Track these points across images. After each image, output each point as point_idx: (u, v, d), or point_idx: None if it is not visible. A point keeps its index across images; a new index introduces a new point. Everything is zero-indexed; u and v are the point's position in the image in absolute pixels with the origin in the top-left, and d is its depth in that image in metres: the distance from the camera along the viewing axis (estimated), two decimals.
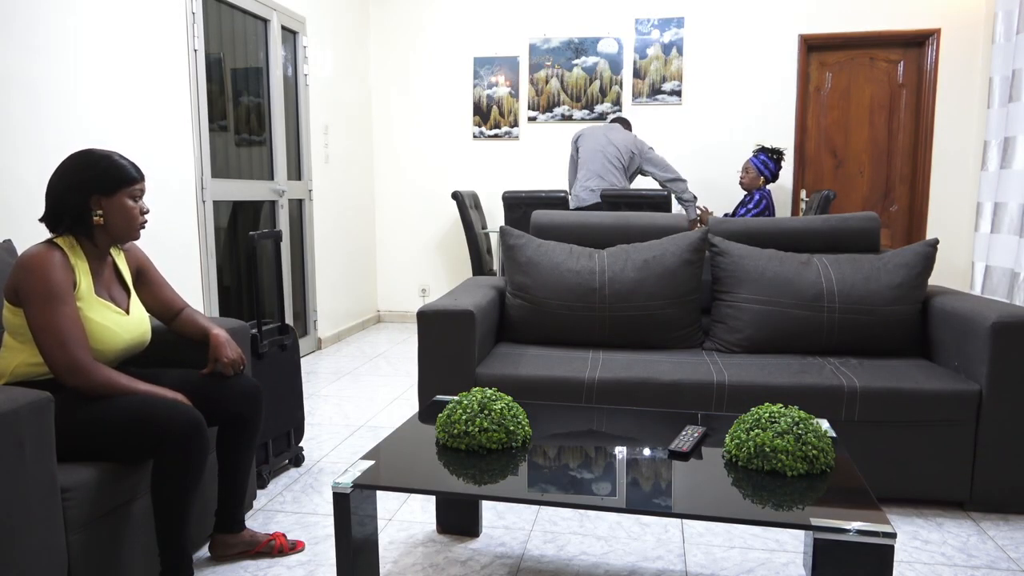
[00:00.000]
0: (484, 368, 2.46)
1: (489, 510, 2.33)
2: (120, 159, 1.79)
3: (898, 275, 2.58)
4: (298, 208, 4.55)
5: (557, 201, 4.43)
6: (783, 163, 4.47)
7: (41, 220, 1.78)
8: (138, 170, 1.82)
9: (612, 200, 4.24)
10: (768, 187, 4.59)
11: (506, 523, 2.24)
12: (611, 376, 2.37)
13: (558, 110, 5.40)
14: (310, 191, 4.63)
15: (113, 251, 1.92)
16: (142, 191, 1.83)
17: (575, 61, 5.34)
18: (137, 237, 1.86)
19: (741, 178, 4.52)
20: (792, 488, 1.54)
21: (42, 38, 2.57)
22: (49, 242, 1.73)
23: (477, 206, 5.15)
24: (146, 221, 1.86)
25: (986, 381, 2.22)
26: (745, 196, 4.49)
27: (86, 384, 1.66)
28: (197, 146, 3.45)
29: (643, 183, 5.15)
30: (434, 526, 2.22)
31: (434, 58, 5.55)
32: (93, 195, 1.75)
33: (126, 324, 1.83)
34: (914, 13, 4.90)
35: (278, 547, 2.02)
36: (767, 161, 4.43)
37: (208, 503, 2.02)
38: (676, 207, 5.04)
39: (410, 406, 3.47)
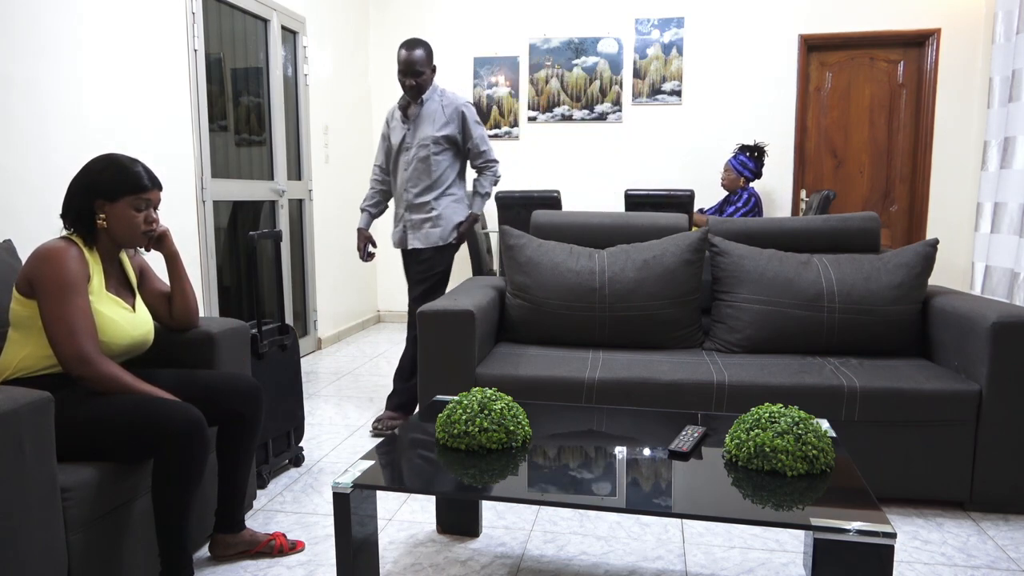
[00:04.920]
0: (484, 368, 2.46)
1: (489, 510, 2.33)
2: (133, 166, 1.80)
3: (898, 275, 2.57)
4: (298, 208, 4.54)
5: (550, 201, 4.44)
6: (765, 159, 4.44)
7: (60, 216, 1.83)
8: (152, 179, 1.83)
9: None
10: (753, 186, 4.58)
11: (506, 523, 2.24)
12: (611, 376, 2.37)
13: (558, 110, 5.40)
14: (310, 191, 4.63)
15: (121, 254, 1.96)
16: (150, 201, 1.84)
17: (575, 61, 5.34)
18: (140, 244, 1.87)
19: (722, 179, 4.51)
20: (792, 488, 1.54)
21: (42, 38, 2.57)
22: (65, 238, 1.78)
23: None
24: (154, 231, 1.86)
25: (986, 381, 2.22)
26: (732, 195, 4.48)
27: (92, 374, 1.68)
28: (197, 146, 3.45)
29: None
30: (434, 526, 2.22)
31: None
32: (97, 199, 1.79)
33: (133, 321, 1.87)
34: (914, 13, 4.90)
35: (278, 547, 2.02)
36: (746, 161, 4.42)
37: (208, 503, 2.02)
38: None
39: None
